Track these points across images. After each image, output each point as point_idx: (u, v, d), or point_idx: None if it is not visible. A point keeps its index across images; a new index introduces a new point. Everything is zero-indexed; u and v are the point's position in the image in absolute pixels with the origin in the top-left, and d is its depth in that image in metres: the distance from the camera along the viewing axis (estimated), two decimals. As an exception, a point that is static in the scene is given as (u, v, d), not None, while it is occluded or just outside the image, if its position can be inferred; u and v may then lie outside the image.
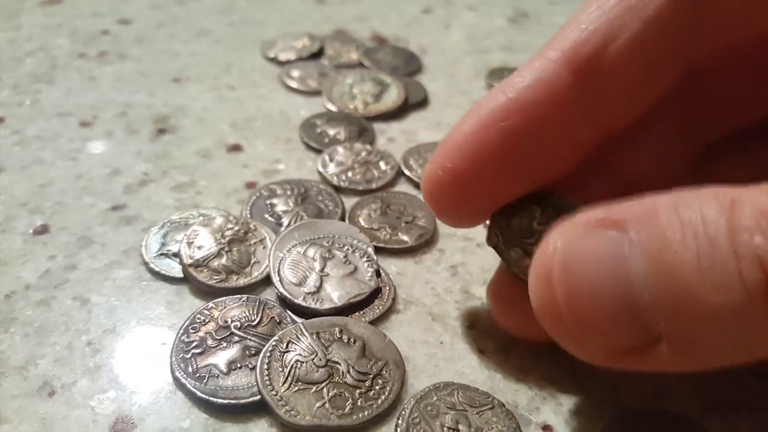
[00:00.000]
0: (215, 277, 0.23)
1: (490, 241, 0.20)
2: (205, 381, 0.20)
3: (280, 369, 0.20)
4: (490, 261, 0.22)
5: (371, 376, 0.20)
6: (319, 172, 0.29)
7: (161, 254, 0.24)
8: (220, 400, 0.19)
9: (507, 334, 0.22)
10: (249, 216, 0.26)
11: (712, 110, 0.21)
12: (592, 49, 0.18)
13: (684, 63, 0.19)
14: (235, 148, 0.31)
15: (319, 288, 0.23)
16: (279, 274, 0.23)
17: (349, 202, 0.28)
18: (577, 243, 0.16)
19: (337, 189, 0.29)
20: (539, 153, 0.19)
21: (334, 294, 0.23)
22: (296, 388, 0.19)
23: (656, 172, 0.21)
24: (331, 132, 0.32)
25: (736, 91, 0.21)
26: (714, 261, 0.14)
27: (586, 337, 0.16)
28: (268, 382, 0.19)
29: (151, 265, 0.24)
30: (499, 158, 0.19)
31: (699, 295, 0.14)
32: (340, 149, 0.31)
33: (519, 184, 0.20)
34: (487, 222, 0.21)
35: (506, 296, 0.21)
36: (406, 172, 0.30)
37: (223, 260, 0.24)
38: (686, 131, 0.21)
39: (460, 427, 0.19)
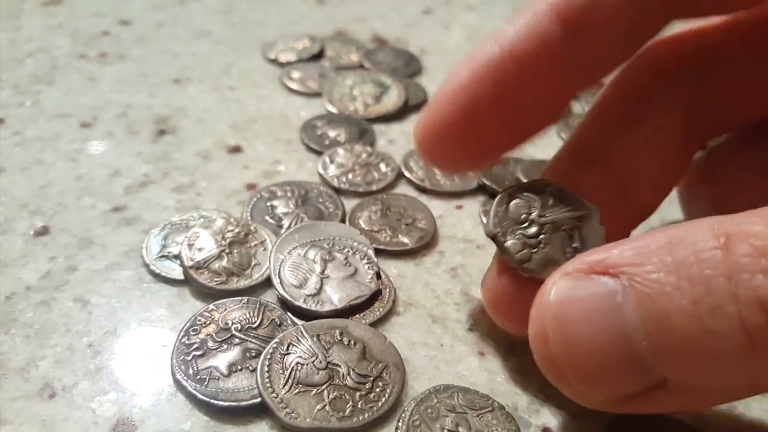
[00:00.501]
0: (216, 279, 0.23)
1: (487, 230, 0.20)
2: (205, 383, 0.20)
3: (280, 371, 0.20)
4: (490, 263, 0.22)
5: (371, 378, 0.20)
6: (320, 174, 0.29)
7: (162, 256, 0.24)
8: (220, 403, 0.19)
9: (507, 336, 0.22)
10: (249, 218, 0.26)
11: (715, 104, 0.21)
12: (584, 1, 0.18)
13: (667, 10, 0.19)
14: (236, 149, 0.31)
15: (320, 290, 0.23)
16: (279, 276, 0.23)
17: (350, 203, 0.28)
18: (569, 296, 0.15)
19: (338, 191, 0.29)
20: (532, 103, 0.19)
21: (335, 296, 0.23)
22: (297, 391, 0.19)
23: (657, 166, 0.21)
24: (332, 134, 0.32)
25: (740, 84, 0.21)
26: (711, 305, 0.13)
27: (587, 389, 0.16)
28: (268, 385, 0.19)
29: (152, 267, 0.24)
30: (493, 109, 0.19)
31: (698, 342, 0.13)
32: (340, 151, 0.31)
33: (511, 133, 0.20)
34: (484, 213, 0.21)
35: (501, 294, 0.21)
36: (407, 173, 0.30)
37: (224, 262, 0.24)
38: (688, 126, 0.21)
39: (460, 429, 0.19)
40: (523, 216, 0.20)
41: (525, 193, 0.20)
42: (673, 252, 0.14)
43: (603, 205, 0.20)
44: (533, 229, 0.19)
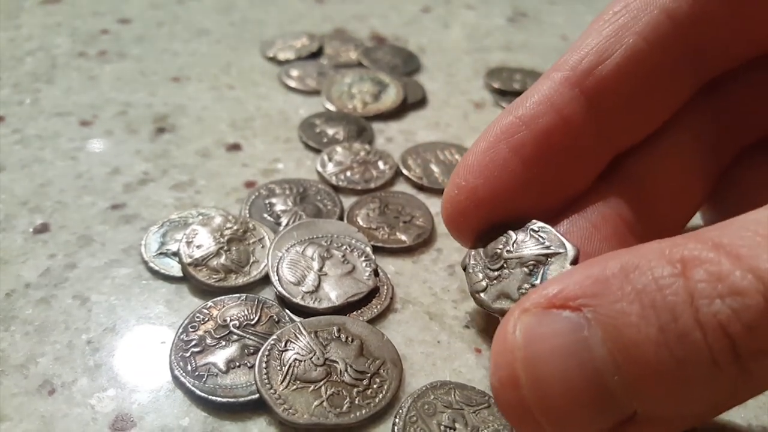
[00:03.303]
0: (214, 276, 0.23)
1: (463, 263, 0.21)
2: (204, 379, 0.20)
3: (278, 367, 0.20)
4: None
5: (369, 374, 0.20)
6: (318, 172, 0.29)
7: (161, 253, 0.25)
8: (219, 399, 0.19)
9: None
10: (248, 215, 0.27)
11: (734, 123, 0.21)
12: (587, 65, 0.19)
13: (695, 74, 0.20)
14: (235, 147, 0.31)
15: (318, 287, 0.23)
16: (278, 274, 0.23)
17: (348, 201, 0.28)
18: (535, 333, 0.15)
19: (336, 188, 0.29)
20: (549, 166, 0.19)
21: (333, 293, 0.23)
22: (294, 387, 0.20)
23: (678, 183, 0.21)
24: (330, 131, 0.32)
25: (760, 100, 0.21)
26: (678, 333, 0.13)
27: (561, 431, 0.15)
28: (266, 381, 0.20)
29: (151, 264, 0.24)
30: (510, 171, 0.19)
31: (667, 370, 0.13)
32: (338, 149, 0.31)
33: (534, 198, 0.20)
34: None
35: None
36: (405, 171, 0.30)
37: (222, 259, 0.24)
38: (708, 142, 0.21)
39: (457, 425, 0.19)
40: (497, 251, 0.20)
41: (508, 230, 0.20)
42: (630, 279, 0.14)
43: (626, 220, 0.20)
44: (498, 264, 0.19)
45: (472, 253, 0.20)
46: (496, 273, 0.19)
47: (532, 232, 0.19)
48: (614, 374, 0.14)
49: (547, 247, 0.19)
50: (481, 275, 0.20)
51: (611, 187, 0.21)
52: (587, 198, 0.20)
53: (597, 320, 0.14)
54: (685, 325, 0.13)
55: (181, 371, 0.20)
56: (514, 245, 0.19)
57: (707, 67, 0.20)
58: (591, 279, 0.14)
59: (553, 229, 0.19)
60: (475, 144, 0.20)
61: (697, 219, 0.23)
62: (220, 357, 0.21)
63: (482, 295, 0.19)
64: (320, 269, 0.24)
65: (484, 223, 0.20)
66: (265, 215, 0.27)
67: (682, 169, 0.21)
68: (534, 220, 0.20)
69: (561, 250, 0.19)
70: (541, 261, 0.19)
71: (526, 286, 0.19)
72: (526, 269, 0.19)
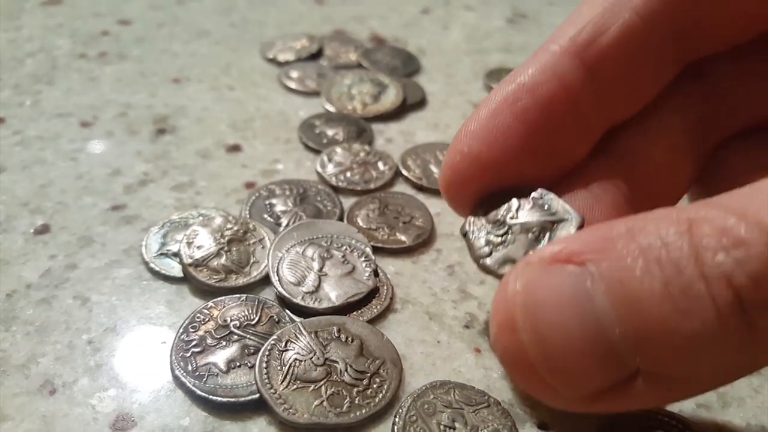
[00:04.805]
0: (215, 277, 0.23)
1: (463, 229, 0.20)
2: (204, 379, 0.20)
3: (278, 367, 0.20)
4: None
5: (369, 374, 0.20)
6: (318, 173, 0.30)
7: (161, 254, 0.25)
8: (219, 399, 0.20)
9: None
10: (248, 216, 0.27)
11: (723, 106, 0.21)
12: (586, 37, 0.19)
13: (685, 51, 0.20)
14: (235, 148, 0.31)
15: (318, 287, 0.23)
16: (278, 274, 0.23)
17: (348, 202, 0.28)
18: (537, 282, 0.15)
19: (336, 189, 0.29)
20: (551, 133, 0.19)
21: (333, 293, 0.23)
22: (294, 387, 0.20)
23: (665, 163, 0.21)
24: (330, 132, 0.32)
25: (749, 86, 0.21)
26: (682, 286, 0.13)
27: (559, 383, 0.15)
28: (266, 381, 0.20)
29: (151, 265, 0.24)
30: (513, 137, 0.19)
31: (671, 323, 0.13)
32: (338, 150, 0.31)
33: (534, 165, 0.20)
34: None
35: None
36: (404, 172, 0.30)
37: (223, 260, 0.24)
38: (696, 126, 0.21)
39: (457, 425, 0.19)
40: (499, 217, 0.20)
41: (509, 197, 0.20)
42: (636, 239, 0.14)
43: (623, 193, 0.20)
44: (502, 230, 0.19)
45: (472, 219, 0.20)
46: (499, 239, 0.19)
47: (535, 200, 0.19)
48: (616, 327, 0.14)
49: (552, 214, 0.19)
50: (483, 241, 0.19)
51: (607, 161, 0.21)
52: (585, 170, 0.20)
53: (600, 274, 0.14)
54: (689, 278, 0.13)
55: (182, 371, 0.20)
56: (518, 212, 0.19)
57: (692, 47, 0.20)
58: (596, 238, 0.15)
59: (556, 197, 0.19)
60: (475, 112, 0.20)
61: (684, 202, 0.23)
62: (220, 357, 0.21)
63: (487, 260, 0.19)
64: (320, 269, 0.24)
65: (484, 191, 0.20)
66: (266, 216, 0.27)
67: (672, 147, 0.21)
68: (538, 188, 0.20)
69: (566, 217, 0.19)
70: (546, 227, 0.19)
71: (532, 251, 0.18)
72: (531, 235, 0.19)
